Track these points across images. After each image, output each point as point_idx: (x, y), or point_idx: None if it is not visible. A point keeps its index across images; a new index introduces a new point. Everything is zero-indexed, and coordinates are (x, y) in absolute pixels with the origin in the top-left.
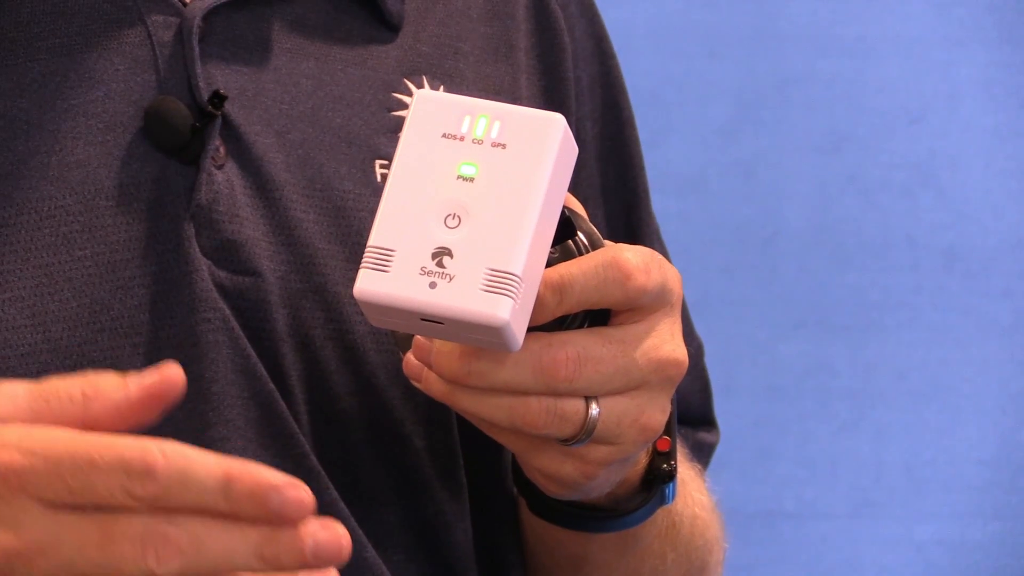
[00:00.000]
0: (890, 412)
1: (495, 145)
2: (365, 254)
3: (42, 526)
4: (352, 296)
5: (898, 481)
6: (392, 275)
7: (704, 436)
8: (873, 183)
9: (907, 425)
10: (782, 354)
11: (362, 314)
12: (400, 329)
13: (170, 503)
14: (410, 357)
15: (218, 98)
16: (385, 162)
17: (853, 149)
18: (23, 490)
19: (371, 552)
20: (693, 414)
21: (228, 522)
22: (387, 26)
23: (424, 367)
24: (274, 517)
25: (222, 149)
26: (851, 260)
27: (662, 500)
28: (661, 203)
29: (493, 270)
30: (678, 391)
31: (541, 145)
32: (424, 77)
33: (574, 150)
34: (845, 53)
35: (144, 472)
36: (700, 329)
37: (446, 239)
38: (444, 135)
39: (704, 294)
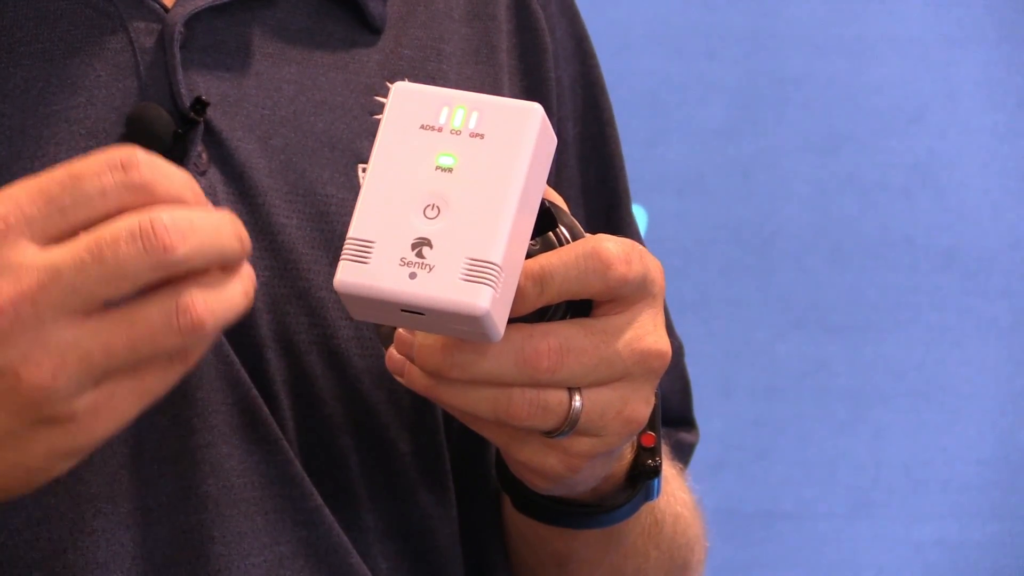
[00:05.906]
0: (888, 412)
1: (473, 135)
2: (344, 246)
3: (39, 263)
4: (336, 301)
5: (897, 481)
6: (372, 266)
7: (684, 436)
8: (871, 183)
9: (905, 425)
10: (780, 354)
11: (346, 319)
12: (381, 322)
13: (155, 194)
14: (392, 351)
15: (200, 104)
16: (367, 166)
17: (851, 149)
18: (12, 231)
19: (356, 559)
20: (673, 414)
21: (198, 207)
22: (369, 29)
23: (406, 361)
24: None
25: (204, 155)
26: (849, 260)
27: (647, 496)
28: (659, 203)
29: (473, 259)
30: (657, 391)
31: (519, 135)
32: (406, 80)
33: (553, 140)
34: (843, 53)
35: (127, 163)
36: (699, 329)
37: (426, 230)
38: (422, 126)
39: (702, 294)
